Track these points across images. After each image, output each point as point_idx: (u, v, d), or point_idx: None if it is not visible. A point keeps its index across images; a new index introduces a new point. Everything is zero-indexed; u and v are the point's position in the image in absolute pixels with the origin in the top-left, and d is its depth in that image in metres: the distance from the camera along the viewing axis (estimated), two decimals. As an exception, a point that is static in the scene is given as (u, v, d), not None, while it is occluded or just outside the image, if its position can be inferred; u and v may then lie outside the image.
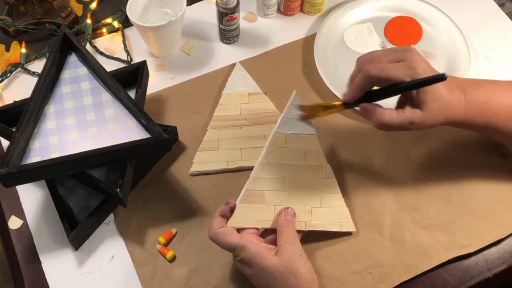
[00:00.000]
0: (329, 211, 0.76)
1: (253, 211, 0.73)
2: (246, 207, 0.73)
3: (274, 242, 0.71)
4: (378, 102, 0.69)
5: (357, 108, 0.71)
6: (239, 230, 0.73)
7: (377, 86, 0.68)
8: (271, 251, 0.69)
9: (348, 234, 0.78)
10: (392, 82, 0.66)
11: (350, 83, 0.70)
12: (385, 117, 0.67)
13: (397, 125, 0.67)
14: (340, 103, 0.71)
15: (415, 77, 0.65)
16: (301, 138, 0.75)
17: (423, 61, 0.66)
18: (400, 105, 0.70)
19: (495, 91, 0.72)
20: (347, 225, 0.77)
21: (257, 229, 0.73)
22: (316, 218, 0.76)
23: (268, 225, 0.73)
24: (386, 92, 0.67)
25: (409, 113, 0.67)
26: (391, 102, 0.70)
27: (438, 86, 0.66)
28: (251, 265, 0.68)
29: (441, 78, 0.63)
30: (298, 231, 0.73)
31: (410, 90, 0.66)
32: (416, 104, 0.67)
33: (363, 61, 0.69)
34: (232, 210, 0.73)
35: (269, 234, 0.73)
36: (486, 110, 0.71)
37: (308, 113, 0.73)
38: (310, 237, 0.76)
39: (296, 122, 0.76)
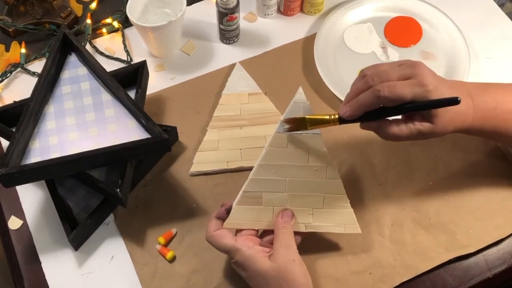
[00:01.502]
0: (332, 212, 0.75)
1: (250, 213, 0.73)
2: (242, 209, 0.73)
3: (272, 243, 0.71)
4: None
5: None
6: (238, 231, 0.72)
7: (385, 105, 0.65)
8: (265, 255, 0.68)
9: (348, 233, 0.78)
10: (401, 102, 0.63)
11: (352, 95, 0.66)
12: (393, 129, 0.65)
13: (405, 137, 0.66)
14: (335, 117, 0.67)
15: (427, 95, 0.62)
16: (304, 138, 0.72)
17: (432, 76, 0.64)
18: (407, 116, 0.67)
19: (503, 96, 0.70)
20: (352, 227, 0.75)
21: (256, 230, 0.73)
22: (317, 220, 0.74)
23: (265, 226, 0.73)
24: (392, 111, 0.65)
25: (419, 126, 0.65)
26: None
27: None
28: (245, 268, 0.68)
29: (454, 101, 0.61)
30: (298, 233, 0.73)
31: (422, 110, 0.64)
32: (425, 117, 0.65)
33: (371, 76, 0.65)
34: (228, 211, 0.72)
35: (268, 234, 0.73)
36: (495, 116, 0.69)
37: (295, 126, 0.69)
38: (311, 238, 0.76)
39: None
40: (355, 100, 0.65)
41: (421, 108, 0.64)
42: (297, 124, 0.69)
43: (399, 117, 0.67)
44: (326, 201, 0.74)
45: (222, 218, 0.72)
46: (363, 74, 0.66)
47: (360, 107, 0.64)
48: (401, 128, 0.65)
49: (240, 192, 0.73)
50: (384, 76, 0.64)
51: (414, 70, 0.64)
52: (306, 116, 0.69)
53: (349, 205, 0.75)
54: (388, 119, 0.66)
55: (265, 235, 0.73)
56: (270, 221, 0.73)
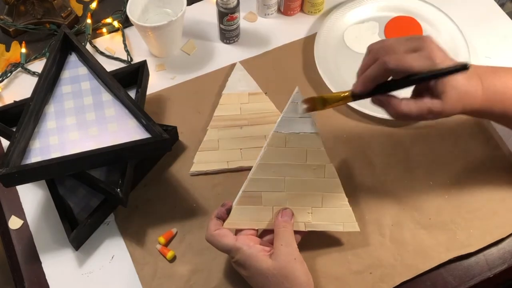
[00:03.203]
0: (331, 211, 0.75)
1: (249, 212, 0.73)
2: (242, 209, 0.73)
3: (273, 242, 0.71)
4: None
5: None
6: (237, 231, 0.72)
7: (393, 77, 0.65)
8: (266, 254, 0.68)
9: (347, 232, 0.78)
10: (409, 73, 0.63)
11: (361, 73, 0.66)
12: (402, 107, 0.64)
13: (415, 115, 0.65)
14: (348, 94, 0.67)
15: (434, 67, 0.62)
16: (302, 137, 0.73)
17: (440, 50, 0.64)
18: (416, 95, 0.67)
19: None
20: (350, 225, 0.76)
21: (256, 230, 0.73)
22: (316, 218, 0.75)
23: (265, 225, 0.73)
24: (402, 83, 0.64)
25: (428, 103, 0.64)
26: (404, 91, 0.67)
27: (456, 75, 0.64)
28: (246, 267, 0.68)
29: (463, 67, 0.61)
30: (298, 232, 0.73)
31: (429, 80, 0.64)
32: (434, 94, 0.64)
33: (377, 50, 0.65)
34: (228, 211, 0.73)
35: (268, 233, 0.73)
36: (505, 99, 0.69)
37: (312, 106, 0.70)
38: (311, 238, 0.76)
39: (297, 120, 0.73)
40: (364, 75, 0.65)
41: (430, 77, 0.63)
42: (313, 103, 0.70)
43: (409, 97, 0.67)
44: (325, 200, 0.75)
45: (222, 218, 0.72)
46: (369, 50, 0.66)
47: (369, 80, 0.65)
48: (411, 106, 0.64)
49: (240, 192, 0.73)
50: (390, 49, 0.64)
51: (422, 43, 0.64)
52: (322, 96, 0.69)
53: (348, 203, 0.75)
54: (398, 97, 0.65)
55: (265, 234, 0.73)
56: (270, 221, 0.73)
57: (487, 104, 0.68)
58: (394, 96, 0.65)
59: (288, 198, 0.74)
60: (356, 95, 0.66)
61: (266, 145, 0.73)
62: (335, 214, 0.75)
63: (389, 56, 0.63)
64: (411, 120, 0.66)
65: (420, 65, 0.62)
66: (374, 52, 0.65)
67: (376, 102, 0.67)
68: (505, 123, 0.75)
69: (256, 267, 0.67)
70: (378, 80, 0.64)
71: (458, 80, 0.64)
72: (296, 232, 0.72)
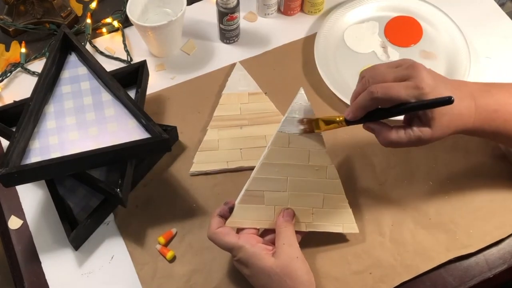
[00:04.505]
0: (331, 212, 0.75)
1: (252, 212, 0.73)
2: (245, 207, 0.73)
3: (274, 242, 0.71)
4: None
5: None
6: (238, 230, 0.72)
7: (382, 106, 0.65)
8: (268, 252, 0.69)
9: (348, 233, 0.78)
10: (397, 103, 0.63)
11: (353, 99, 0.67)
12: (392, 136, 0.65)
13: (405, 143, 0.66)
14: (342, 119, 0.69)
15: (422, 97, 0.62)
16: (305, 138, 0.73)
17: (429, 78, 0.63)
18: (406, 121, 0.68)
19: (505, 98, 0.70)
20: (350, 227, 0.76)
21: (257, 229, 0.73)
22: (317, 219, 0.75)
23: (267, 225, 0.73)
24: (391, 112, 0.65)
25: (417, 131, 0.65)
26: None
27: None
28: (248, 265, 0.68)
29: (447, 101, 0.61)
30: (298, 232, 0.73)
31: (416, 111, 0.64)
32: (423, 121, 0.65)
33: (367, 78, 0.66)
34: (231, 210, 0.72)
35: (269, 233, 0.73)
36: (496, 118, 0.69)
37: (309, 127, 0.71)
38: (311, 238, 0.76)
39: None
40: (355, 103, 0.66)
41: (416, 108, 0.63)
42: (311, 125, 0.71)
43: (401, 121, 0.68)
44: (326, 201, 0.75)
45: (225, 216, 0.72)
46: (361, 76, 0.67)
47: (359, 108, 0.65)
48: (400, 135, 0.65)
49: (243, 191, 0.73)
50: (380, 78, 0.65)
51: (411, 72, 0.64)
52: (320, 118, 0.71)
53: (348, 205, 0.76)
54: (389, 125, 0.66)
55: (266, 234, 0.73)
56: (271, 220, 0.73)
57: (479, 124, 0.68)
58: (385, 124, 0.67)
59: (290, 198, 0.74)
60: (348, 121, 0.68)
61: (270, 144, 0.73)
62: (336, 215, 0.75)
63: (376, 86, 0.63)
64: (402, 147, 0.67)
65: (407, 94, 0.62)
66: (365, 80, 0.66)
67: (368, 129, 0.68)
68: (497, 141, 0.75)
69: (259, 266, 0.67)
70: (368, 108, 0.65)
71: (449, 110, 0.64)
72: (296, 232, 0.72)
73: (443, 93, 0.63)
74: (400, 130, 0.66)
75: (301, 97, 0.72)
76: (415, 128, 0.65)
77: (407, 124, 0.67)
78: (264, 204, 0.74)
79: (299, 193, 0.74)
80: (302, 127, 0.71)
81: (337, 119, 0.69)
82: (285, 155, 0.73)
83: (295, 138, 0.73)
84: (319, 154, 0.74)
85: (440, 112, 0.64)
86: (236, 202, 0.73)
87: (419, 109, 0.64)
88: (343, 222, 0.76)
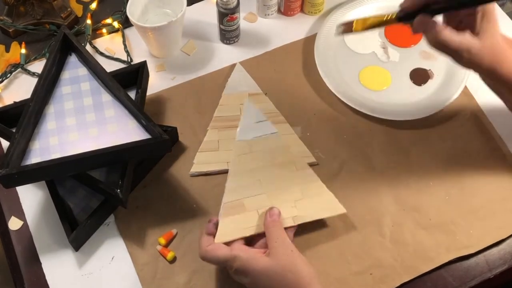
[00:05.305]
0: (313, 200, 0.76)
1: (237, 222, 0.74)
2: (229, 220, 0.74)
3: (265, 246, 0.71)
4: None
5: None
6: (227, 243, 0.72)
7: None
8: (263, 255, 0.69)
9: (347, 233, 0.78)
10: None
11: None
12: (445, 34, 0.64)
13: (453, 47, 0.64)
14: (392, 15, 0.66)
15: None
16: (264, 139, 0.77)
17: None
18: (460, 28, 0.66)
19: None
20: (336, 208, 0.77)
21: (244, 238, 0.73)
22: (302, 210, 0.75)
23: (255, 230, 0.73)
24: (450, 4, 0.63)
25: (469, 38, 0.64)
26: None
27: (499, 32, 0.65)
28: (247, 272, 0.68)
29: None
30: (288, 230, 0.73)
31: (477, 4, 0.63)
32: (476, 31, 0.64)
33: None
34: (217, 226, 0.73)
35: (258, 239, 0.73)
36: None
37: (349, 27, 0.69)
38: (311, 238, 0.76)
39: (255, 126, 0.77)
40: None
41: (476, 2, 0.62)
42: (351, 25, 0.69)
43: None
44: (304, 191, 0.76)
45: (212, 233, 0.72)
46: None
47: None
48: (453, 37, 0.64)
49: (222, 204, 0.75)
50: None
51: None
52: (361, 18, 0.69)
53: (327, 189, 0.77)
54: (443, 25, 0.65)
55: (256, 240, 0.73)
56: (258, 224, 0.74)
57: (506, 70, 0.67)
58: (438, 22, 0.65)
59: (269, 198, 0.75)
60: (401, 16, 0.66)
61: (233, 155, 0.76)
62: (318, 202, 0.77)
63: None
64: (445, 52, 0.65)
65: None
66: None
67: (419, 25, 0.66)
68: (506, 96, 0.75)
69: (257, 269, 0.67)
70: None
71: (499, 34, 0.65)
72: (286, 229, 0.73)
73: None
74: (453, 32, 0.64)
75: (248, 104, 0.77)
76: (467, 36, 0.64)
77: (460, 30, 0.65)
78: (246, 211, 0.75)
79: (276, 190, 0.76)
80: (341, 28, 0.70)
81: (386, 17, 0.67)
82: (250, 160, 0.77)
83: (255, 143, 0.76)
84: (282, 150, 0.77)
85: (494, 31, 0.64)
86: (219, 217, 0.74)
87: (481, 3, 0.63)
88: (328, 206, 0.77)
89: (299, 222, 0.75)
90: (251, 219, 0.74)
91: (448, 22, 0.68)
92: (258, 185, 0.77)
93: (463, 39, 0.64)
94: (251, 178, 0.77)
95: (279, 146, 0.77)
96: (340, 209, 0.77)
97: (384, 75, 0.93)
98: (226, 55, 0.97)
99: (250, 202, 0.76)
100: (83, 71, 0.83)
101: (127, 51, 0.97)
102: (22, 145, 0.74)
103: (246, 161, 0.77)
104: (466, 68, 0.69)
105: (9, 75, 0.94)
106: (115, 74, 0.85)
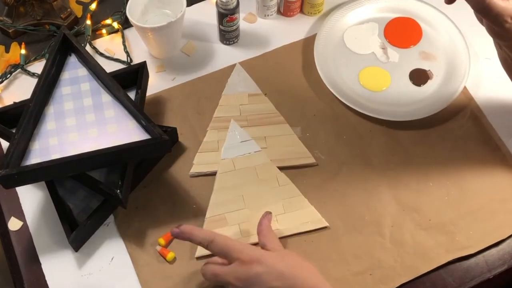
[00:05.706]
0: (294, 214, 0.79)
1: None
2: None
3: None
4: None
5: None
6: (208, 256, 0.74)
7: None
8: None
9: (347, 233, 0.79)
10: None
11: None
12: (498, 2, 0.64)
13: (497, 12, 0.65)
14: None
15: None
16: (248, 157, 0.81)
17: None
18: None
19: None
20: (317, 221, 0.79)
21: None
22: (283, 224, 0.78)
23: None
24: None
25: None
26: None
27: None
28: (260, 260, 0.66)
29: None
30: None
31: None
32: None
33: None
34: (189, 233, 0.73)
35: None
36: None
37: None
38: (311, 239, 0.76)
39: (239, 145, 0.81)
40: None
41: None
42: None
43: None
44: (286, 206, 0.79)
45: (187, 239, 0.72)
46: None
47: None
48: (506, 3, 0.64)
49: (205, 219, 0.78)
50: None
51: None
52: None
53: (308, 203, 0.79)
54: None
55: None
56: (239, 238, 0.77)
57: None
58: None
59: (250, 213, 0.78)
60: None
61: (217, 172, 0.80)
62: (300, 216, 0.79)
63: None
64: (487, 18, 0.66)
65: None
66: None
67: None
68: None
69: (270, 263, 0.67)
70: None
71: None
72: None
73: None
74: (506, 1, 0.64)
75: (235, 126, 0.82)
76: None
77: None
78: (228, 225, 0.77)
79: (258, 206, 0.78)
80: None
81: None
82: (234, 177, 0.80)
83: (238, 161, 0.80)
84: (266, 167, 0.80)
85: None
86: None
87: None
88: (310, 219, 0.78)
89: (281, 236, 0.77)
90: (232, 232, 0.77)
91: None
92: (240, 201, 0.79)
93: (509, 4, 0.64)
94: (234, 193, 0.80)
95: (262, 163, 0.81)
96: (322, 222, 0.79)
97: (383, 75, 0.94)
98: (225, 55, 0.97)
99: (232, 217, 0.78)
100: (83, 71, 0.83)
101: (126, 52, 0.97)
102: (22, 146, 0.74)
103: (230, 178, 0.80)
104: (503, 39, 0.68)
105: (9, 75, 0.94)
106: (115, 74, 0.85)
